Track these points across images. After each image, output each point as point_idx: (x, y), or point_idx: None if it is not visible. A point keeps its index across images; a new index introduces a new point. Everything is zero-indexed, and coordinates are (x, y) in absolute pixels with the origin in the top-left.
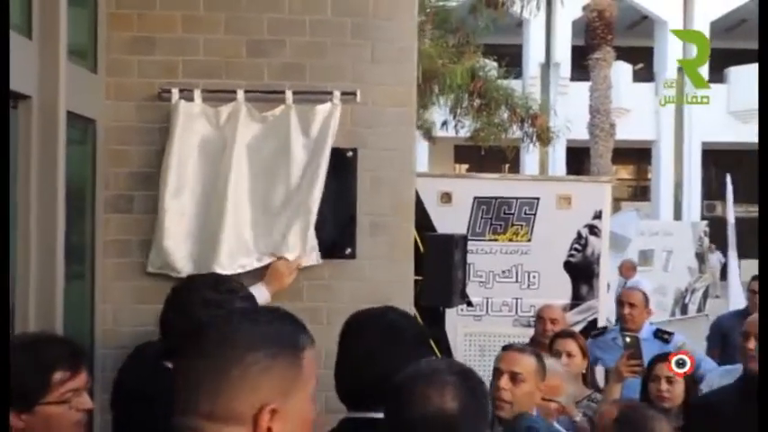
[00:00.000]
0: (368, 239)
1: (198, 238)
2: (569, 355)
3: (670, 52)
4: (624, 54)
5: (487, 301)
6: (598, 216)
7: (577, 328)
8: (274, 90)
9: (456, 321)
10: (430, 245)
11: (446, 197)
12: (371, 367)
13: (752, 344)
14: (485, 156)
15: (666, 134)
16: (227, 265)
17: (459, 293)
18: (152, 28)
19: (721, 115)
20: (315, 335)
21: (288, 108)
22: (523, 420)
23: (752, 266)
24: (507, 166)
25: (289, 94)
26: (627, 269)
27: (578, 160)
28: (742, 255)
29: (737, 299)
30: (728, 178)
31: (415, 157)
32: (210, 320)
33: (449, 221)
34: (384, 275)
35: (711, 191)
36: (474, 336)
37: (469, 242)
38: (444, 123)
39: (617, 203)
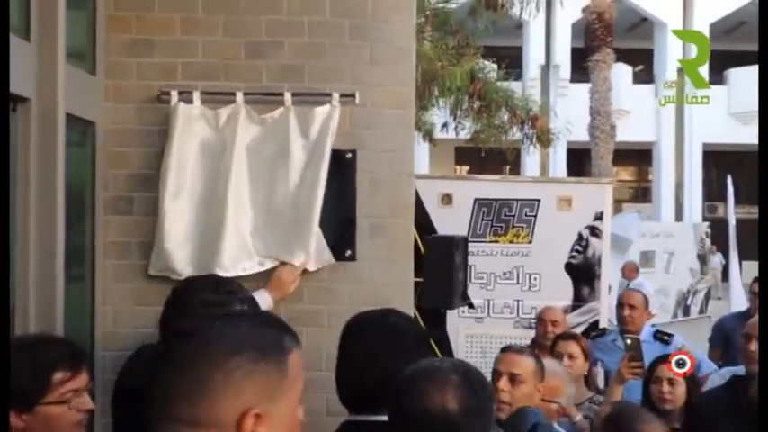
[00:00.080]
0: (367, 241)
1: (199, 240)
2: (571, 356)
3: (670, 54)
4: (624, 56)
5: (489, 303)
6: (599, 217)
7: (578, 330)
8: (273, 92)
9: (457, 323)
10: (431, 247)
11: (447, 199)
12: (372, 370)
13: (753, 345)
14: (485, 157)
15: (667, 136)
16: (228, 267)
17: (461, 295)
18: (151, 30)
19: (722, 117)
20: (315, 337)
21: (287, 110)
22: (526, 415)
23: (753, 268)
24: (508, 167)
25: (287, 96)
26: (630, 271)
27: (579, 162)
28: (743, 256)
29: (739, 300)
30: (729, 180)
31: (414, 158)
32: (192, 325)
33: (449, 223)
34: (384, 277)
35: (712, 192)
36: (475, 337)
37: (470, 244)
38: (444, 125)
39: (618, 205)
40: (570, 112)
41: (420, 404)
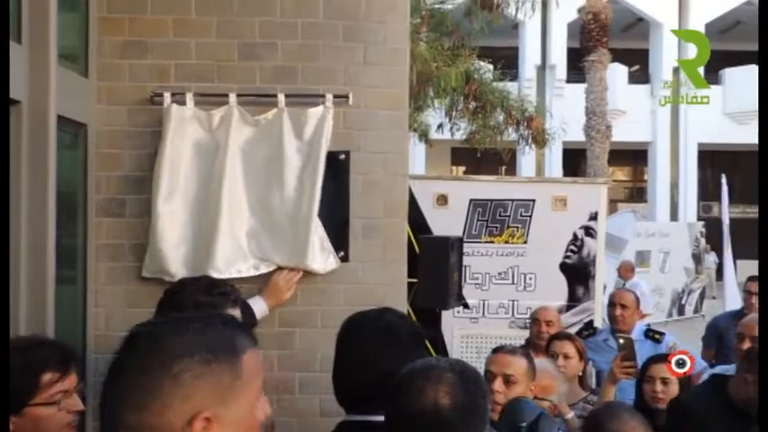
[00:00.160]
0: (361, 242)
1: (192, 242)
2: (566, 356)
3: (665, 54)
4: (620, 56)
5: (484, 303)
6: (594, 217)
7: (573, 330)
8: (266, 93)
9: (452, 323)
10: (426, 247)
11: (442, 199)
12: (369, 369)
13: (746, 345)
14: (481, 158)
15: (662, 136)
16: (222, 269)
17: (456, 295)
18: (143, 32)
19: (717, 116)
20: (309, 338)
21: (280, 111)
22: (521, 406)
23: (747, 267)
24: (504, 168)
25: (281, 98)
26: (626, 271)
27: (575, 162)
28: (738, 255)
29: (733, 300)
30: (723, 179)
31: (408, 159)
32: (139, 331)
33: (445, 224)
34: (377, 278)
35: (708, 192)
36: (470, 338)
37: (465, 244)
38: (440, 126)
39: (614, 205)
40: (566, 113)
41: (414, 401)
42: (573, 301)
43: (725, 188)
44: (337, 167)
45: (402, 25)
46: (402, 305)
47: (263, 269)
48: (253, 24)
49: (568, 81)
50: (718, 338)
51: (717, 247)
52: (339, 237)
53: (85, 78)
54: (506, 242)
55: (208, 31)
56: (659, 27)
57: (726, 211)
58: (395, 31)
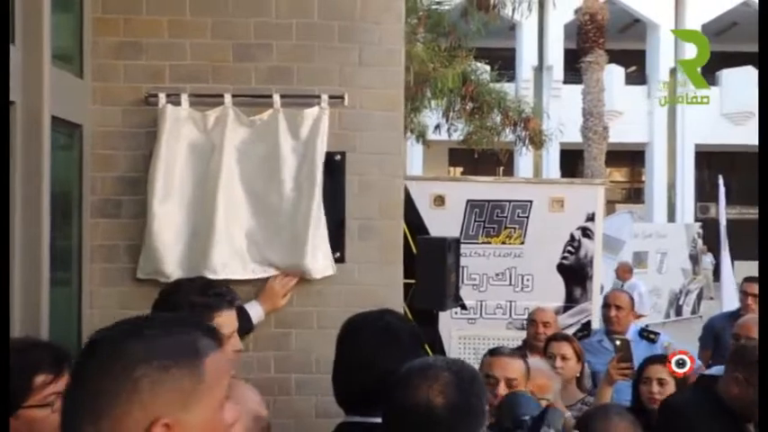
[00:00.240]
0: (357, 243)
1: (188, 243)
2: (564, 358)
3: (662, 55)
4: (616, 57)
5: (481, 304)
6: (591, 218)
7: (570, 331)
8: (262, 94)
9: (450, 324)
10: (423, 248)
11: (439, 200)
12: (369, 371)
13: None
14: (479, 159)
15: (659, 136)
16: (218, 270)
17: (453, 297)
18: (138, 33)
19: (714, 117)
20: (305, 339)
21: (276, 112)
22: (519, 400)
23: (745, 268)
24: (501, 169)
25: (276, 98)
26: (624, 272)
27: (572, 163)
28: (735, 256)
29: (731, 300)
30: (720, 180)
31: (404, 160)
32: (99, 337)
33: (442, 224)
34: (373, 279)
35: (705, 193)
36: (468, 339)
37: (463, 245)
38: (437, 127)
39: (611, 206)
40: (563, 114)
41: (408, 397)
42: (570, 302)
43: (722, 189)
44: (333, 168)
45: (397, 26)
46: (399, 306)
47: (260, 273)
48: (248, 25)
49: (565, 82)
50: (714, 339)
51: (714, 248)
52: (335, 238)
53: (80, 79)
54: (503, 243)
55: (203, 31)
56: (656, 28)
57: (723, 212)
58: (390, 31)
